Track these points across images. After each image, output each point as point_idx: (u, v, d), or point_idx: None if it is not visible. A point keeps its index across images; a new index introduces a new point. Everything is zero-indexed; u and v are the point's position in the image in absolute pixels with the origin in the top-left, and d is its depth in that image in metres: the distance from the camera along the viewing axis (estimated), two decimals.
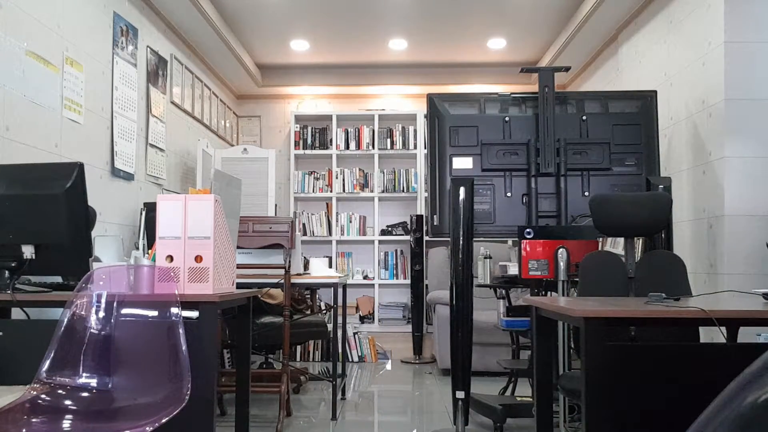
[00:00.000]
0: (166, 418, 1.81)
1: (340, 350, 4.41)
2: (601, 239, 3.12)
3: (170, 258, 2.07)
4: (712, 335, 3.32)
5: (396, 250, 6.72)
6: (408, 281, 6.45)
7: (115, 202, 4.12)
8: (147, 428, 1.76)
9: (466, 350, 3.19)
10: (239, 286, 3.26)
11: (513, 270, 3.66)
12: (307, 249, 6.71)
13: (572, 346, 3.08)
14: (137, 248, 3.92)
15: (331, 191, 6.73)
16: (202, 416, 2.00)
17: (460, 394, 3.18)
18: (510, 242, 4.76)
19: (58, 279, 2.50)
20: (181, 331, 1.95)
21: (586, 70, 6.09)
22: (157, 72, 4.82)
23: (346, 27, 5.71)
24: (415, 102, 6.99)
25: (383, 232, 6.67)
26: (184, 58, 5.46)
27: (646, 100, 3.68)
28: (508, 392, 3.93)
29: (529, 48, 6.23)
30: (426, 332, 6.13)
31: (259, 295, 4.11)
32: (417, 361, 5.92)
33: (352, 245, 6.82)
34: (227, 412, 3.77)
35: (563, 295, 3.07)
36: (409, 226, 6.47)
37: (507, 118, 3.65)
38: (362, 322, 6.51)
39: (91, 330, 2.00)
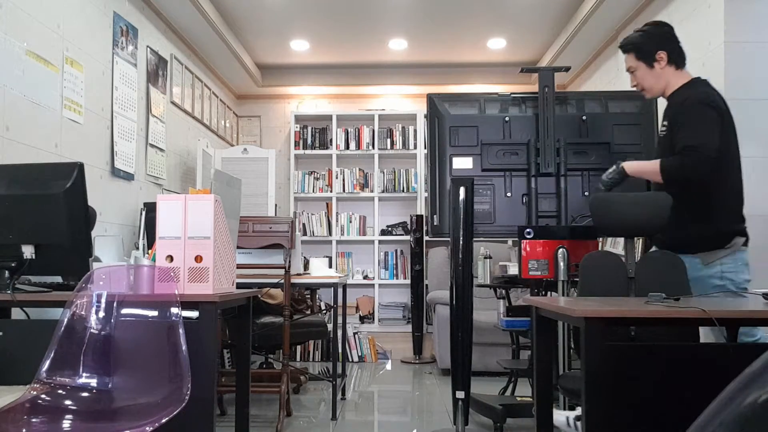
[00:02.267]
0: (166, 418, 1.81)
1: (340, 350, 4.41)
2: (601, 239, 3.12)
3: (170, 258, 2.07)
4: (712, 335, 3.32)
5: (396, 250, 6.72)
6: (408, 281, 6.45)
7: (115, 202, 4.12)
8: (147, 428, 1.76)
9: (466, 350, 3.19)
10: (239, 286, 3.25)
11: (513, 270, 3.66)
12: (307, 249, 6.70)
13: (572, 346, 3.08)
14: (137, 248, 3.92)
15: (331, 191, 6.73)
16: (202, 416, 2.00)
17: (460, 394, 3.18)
18: (510, 242, 4.76)
19: (58, 279, 2.50)
20: (181, 331, 1.95)
21: (586, 70, 6.09)
22: (157, 72, 4.82)
23: (346, 27, 5.71)
24: (415, 102, 6.98)
25: (383, 232, 6.67)
26: (184, 58, 5.46)
27: (646, 100, 3.68)
28: (508, 392, 3.93)
29: (529, 48, 6.22)
30: (426, 332, 6.13)
31: (259, 295, 4.11)
32: (417, 361, 5.92)
33: (352, 245, 6.81)
34: (227, 412, 3.77)
35: (563, 295, 3.07)
36: (409, 226, 6.47)
37: (507, 118, 3.65)
38: (362, 322, 6.51)
39: (91, 330, 2.00)
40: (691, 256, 2.63)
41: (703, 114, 2.63)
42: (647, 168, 2.74)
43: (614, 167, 2.83)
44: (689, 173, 2.59)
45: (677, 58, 2.79)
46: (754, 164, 3.43)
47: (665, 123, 2.79)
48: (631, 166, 2.79)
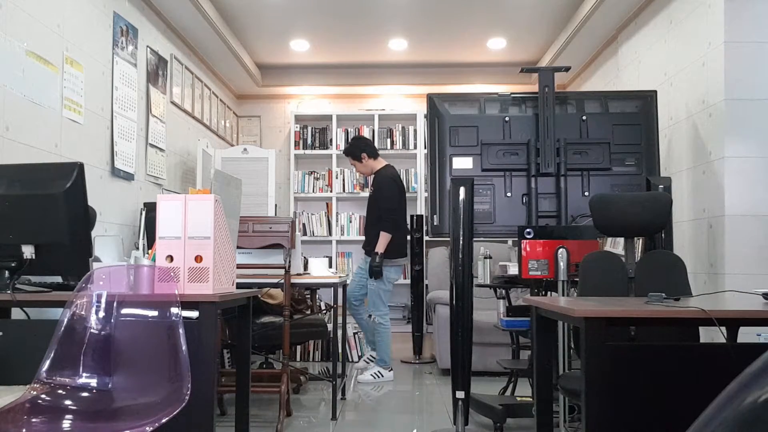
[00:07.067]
0: (166, 418, 1.81)
1: (340, 350, 4.41)
2: (601, 239, 3.12)
3: (170, 258, 2.07)
4: (712, 335, 3.32)
5: None
6: (408, 281, 6.45)
7: (115, 202, 4.12)
8: (147, 428, 1.76)
9: (466, 350, 3.19)
10: (239, 286, 3.26)
11: (513, 270, 3.66)
12: (307, 249, 6.70)
13: (572, 346, 3.08)
14: (137, 248, 3.92)
15: (331, 191, 6.73)
16: (202, 416, 2.00)
17: (460, 394, 3.18)
18: (510, 242, 4.76)
19: (58, 279, 2.50)
20: (181, 331, 1.95)
21: (586, 70, 6.09)
22: (157, 72, 4.82)
23: (346, 27, 5.71)
24: (415, 102, 6.98)
25: None
26: (184, 58, 5.46)
27: (646, 100, 3.68)
28: (508, 392, 3.93)
29: (529, 48, 6.22)
30: (426, 332, 6.12)
31: (259, 295, 4.11)
32: (417, 361, 5.91)
33: (352, 245, 6.81)
34: (227, 412, 3.77)
35: (563, 295, 3.07)
36: (409, 226, 6.46)
37: (507, 118, 3.65)
38: None
39: (91, 330, 2.00)
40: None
41: (391, 186, 4.91)
42: (383, 240, 4.79)
43: (376, 258, 4.82)
44: (391, 226, 4.82)
45: (373, 153, 5.00)
46: (754, 164, 3.44)
47: (372, 187, 5.04)
48: (379, 248, 4.81)
